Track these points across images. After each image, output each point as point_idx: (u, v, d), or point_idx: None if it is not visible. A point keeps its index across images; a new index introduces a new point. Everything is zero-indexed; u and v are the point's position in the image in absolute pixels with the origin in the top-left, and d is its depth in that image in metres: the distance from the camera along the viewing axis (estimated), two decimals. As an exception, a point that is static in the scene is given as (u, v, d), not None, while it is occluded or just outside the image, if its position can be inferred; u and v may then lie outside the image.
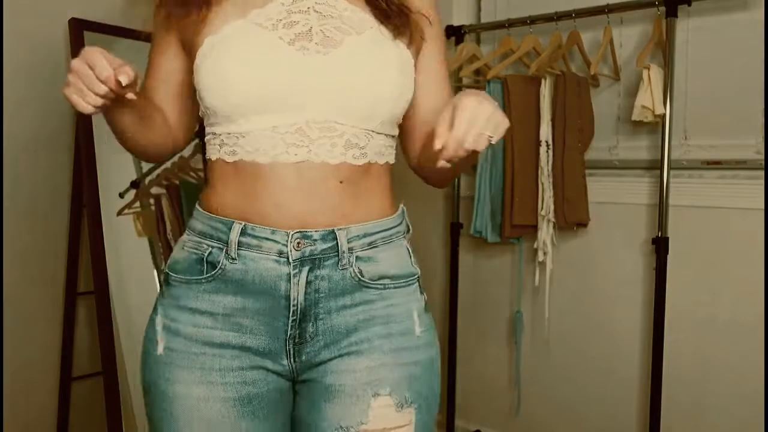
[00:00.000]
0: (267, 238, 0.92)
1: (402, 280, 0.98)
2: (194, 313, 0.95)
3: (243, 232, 0.92)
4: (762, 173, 1.89)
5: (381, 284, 0.96)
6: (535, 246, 2.15)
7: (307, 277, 0.92)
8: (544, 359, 2.36)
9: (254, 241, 0.92)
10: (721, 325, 1.98)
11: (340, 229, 0.93)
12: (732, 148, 1.96)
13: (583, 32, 2.12)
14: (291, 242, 0.91)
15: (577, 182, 2.08)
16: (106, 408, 2.04)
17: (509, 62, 2.16)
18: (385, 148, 0.98)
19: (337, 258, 0.93)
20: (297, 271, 0.92)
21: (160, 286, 1.02)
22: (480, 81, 2.37)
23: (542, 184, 2.10)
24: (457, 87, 2.39)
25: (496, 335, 2.48)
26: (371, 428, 0.93)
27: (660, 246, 1.95)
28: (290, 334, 0.94)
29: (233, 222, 0.93)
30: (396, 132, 1.01)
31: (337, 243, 0.92)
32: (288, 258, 0.91)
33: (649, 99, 1.91)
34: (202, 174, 2.42)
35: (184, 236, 1.00)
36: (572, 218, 2.09)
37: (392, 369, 0.94)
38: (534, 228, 2.15)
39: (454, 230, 2.44)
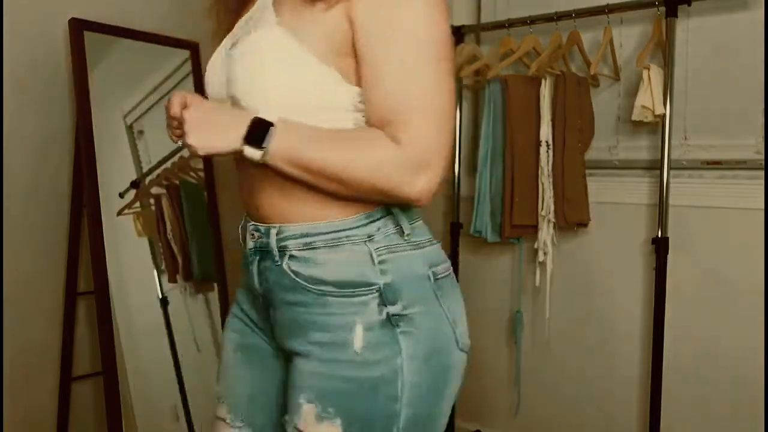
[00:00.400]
0: (246, 227, 1.01)
1: (348, 289, 0.91)
2: (242, 280, 1.08)
3: (245, 221, 1.03)
4: (762, 173, 1.89)
5: (319, 290, 0.92)
6: (535, 246, 2.15)
7: (258, 266, 0.98)
8: (544, 359, 2.36)
9: (246, 229, 1.02)
10: (721, 325, 1.98)
11: (273, 226, 0.95)
12: (732, 148, 1.96)
13: (583, 32, 2.12)
14: (249, 232, 0.99)
15: (577, 182, 2.08)
16: (106, 408, 2.04)
17: (509, 62, 2.16)
18: None
19: (269, 252, 0.96)
20: (252, 259, 0.99)
21: None
22: (480, 81, 2.37)
23: (542, 184, 2.10)
24: (458, 87, 2.40)
25: (496, 335, 2.48)
26: (301, 429, 0.93)
27: (660, 246, 1.95)
28: (264, 316, 1.02)
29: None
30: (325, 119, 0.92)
31: (270, 237, 0.95)
32: (249, 247, 1.00)
33: (649, 99, 1.91)
34: (202, 174, 2.43)
35: None
36: (572, 218, 2.09)
37: (321, 379, 0.91)
38: (534, 228, 2.15)
39: (454, 230, 2.44)
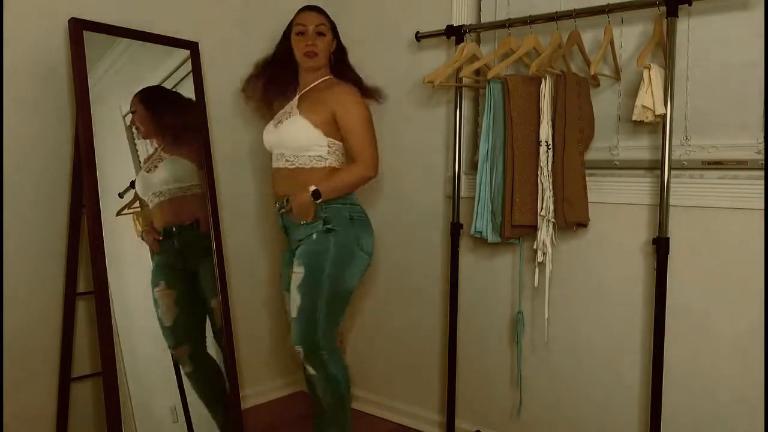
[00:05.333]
0: (277, 202, 2.23)
1: (310, 222, 2.14)
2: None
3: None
4: (762, 173, 1.88)
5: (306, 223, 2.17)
6: (534, 246, 2.14)
7: (282, 216, 2.21)
8: (544, 359, 2.35)
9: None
10: (721, 326, 1.98)
11: (288, 197, 2.18)
12: (732, 148, 1.96)
13: (584, 32, 2.11)
14: (279, 203, 2.20)
15: (577, 182, 2.07)
16: (106, 408, 2.04)
17: (509, 62, 2.15)
18: (309, 159, 2.15)
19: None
20: (279, 213, 2.21)
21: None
22: (480, 81, 2.36)
23: (542, 184, 2.09)
24: (457, 87, 2.39)
25: (497, 335, 2.47)
26: (294, 270, 2.15)
27: (660, 246, 1.95)
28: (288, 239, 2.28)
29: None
30: (312, 153, 2.15)
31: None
32: (278, 208, 2.21)
33: (650, 99, 1.90)
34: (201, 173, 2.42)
35: None
36: (572, 218, 2.09)
37: (301, 249, 2.15)
38: (534, 228, 2.14)
39: (454, 230, 2.43)
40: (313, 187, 2.08)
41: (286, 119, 2.16)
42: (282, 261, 2.31)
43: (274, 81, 2.27)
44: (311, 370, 2.14)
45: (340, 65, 2.28)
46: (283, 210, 2.16)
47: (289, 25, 2.26)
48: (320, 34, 2.19)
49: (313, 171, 2.12)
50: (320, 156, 2.13)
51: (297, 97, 2.22)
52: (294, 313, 2.12)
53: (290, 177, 2.14)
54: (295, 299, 2.10)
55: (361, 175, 2.12)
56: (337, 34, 2.28)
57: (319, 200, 2.08)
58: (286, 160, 2.15)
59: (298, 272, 2.10)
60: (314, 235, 2.10)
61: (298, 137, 2.12)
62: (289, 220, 2.16)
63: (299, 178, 2.12)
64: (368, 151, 2.12)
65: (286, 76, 2.26)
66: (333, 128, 2.13)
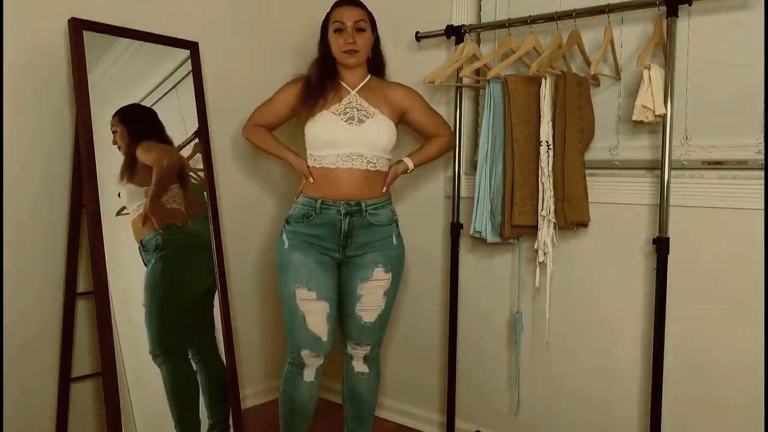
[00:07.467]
0: (333, 204, 2.04)
1: (387, 225, 2.12)
2: (301, 233, 2.05)
3: (323, 202, 2.04)
4: (762, 173, 1.88)
5: (378, 223, 2.09)
6: (535, 246, 2.14)
7: (349, 220, 2.04)
8: (544, 359, 2.35)
9: (328, 205, 2.05)
10: (721, 326, 1.98)
11: (363, 200, 2.06)
12: (732, 148, 1.96)
13: (584, 32, 2.11)
14: (343, 206, 2.04)
15: (578, 182, 2.07)
16: (106, 409, 2.04)
17: (509, 62, 2.15)
18: (386, 162, 2.13)
19: (361, 212, 2.05)
20: (344, 217, 2.04)
21: (285, 223, 2.10)
22: (480, 81, 2.36)
23: (542, 184, 2.09)
24: (458, 87, 2.39)
25: (496, 335, 2.47)
26: (376, 278, 2.11)
27: (660, 246, 1.95)
28: (341, 243, 2.07)
29: (318, 198, 2.06)
30: (387, 156, 2.13)
31: (361, 206, 2.05)
32: (341, 212, 2.04)
33: (650, 99, 1.90)
34: (201, 174, 2.42)
35: (295, 205, 2.10)
36: (572, 218, 2.09)
37: (382, 255, 2.11)
38: (534, 228, 2.14)
39: (454, 230, 2.43)
40: (410, 161, 2.18)
41: (369, 118, 2.04)
42: (302, 254, 2.03)
43: (316, 79, 2.10)
44: (365, 369, 2.20)
45: (376, 57, 2.18)
46: (366, 212, 2.05)
47: (325, 20, 2.13)
48: (360, 30, 2.07)
49: (382, 174, 2.09)
50: (389, 159, 2.13)
51: (354, 93, 2.08)
52: (372, 318, 2.12)
53: (366, 179, 2.04)
54: (377, 304, 2.11)
55: (448, 146, 2.28)
56: (376, 26, 2.16)
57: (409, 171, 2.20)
58: (368, 162, 2.03)
59: (386, 279, 2.09)
60: (394, 240, 2.11)
61: (384, 139, 2.05)
62: (361, 222, 2.03)
63: (376, 181, 2.06)
64: (447, 125, 2.27)
65: (329, 73, 2.10)
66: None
